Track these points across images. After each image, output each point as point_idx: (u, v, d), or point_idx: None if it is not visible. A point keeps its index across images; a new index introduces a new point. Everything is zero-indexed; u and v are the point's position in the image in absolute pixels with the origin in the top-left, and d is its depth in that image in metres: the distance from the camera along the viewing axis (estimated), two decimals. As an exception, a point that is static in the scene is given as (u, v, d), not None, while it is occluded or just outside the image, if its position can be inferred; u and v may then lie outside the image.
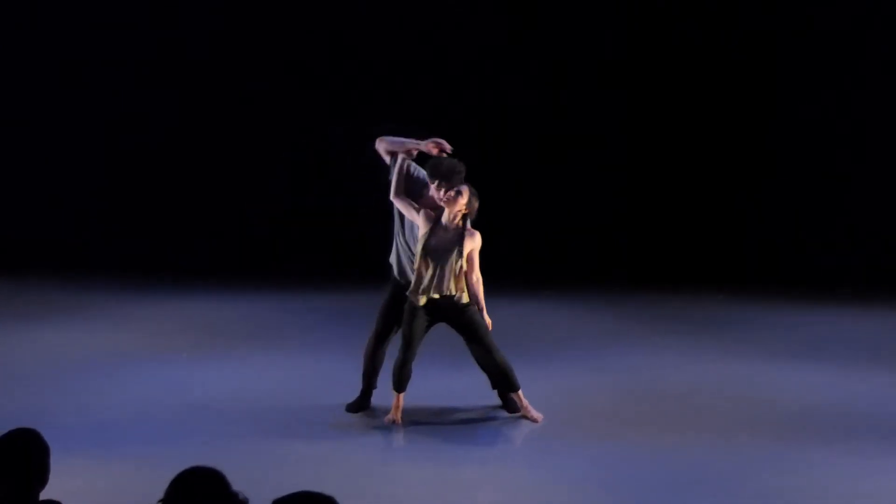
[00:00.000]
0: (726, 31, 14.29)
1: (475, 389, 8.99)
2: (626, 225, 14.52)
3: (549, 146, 14.35)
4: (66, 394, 9.20)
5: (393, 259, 8.69)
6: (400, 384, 8.52)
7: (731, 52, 14.30)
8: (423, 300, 8.32)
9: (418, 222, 8.32)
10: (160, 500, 4.01)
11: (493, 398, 8.88)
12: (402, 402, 8.53)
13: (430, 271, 8.27)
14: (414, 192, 8.50)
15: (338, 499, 3.81)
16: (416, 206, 8.37)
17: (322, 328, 11.62)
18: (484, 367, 8.76)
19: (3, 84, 14.60)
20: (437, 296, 8.30)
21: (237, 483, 4.07)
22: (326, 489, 3.84)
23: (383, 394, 8.79)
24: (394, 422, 8.51)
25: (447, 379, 9.25)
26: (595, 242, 14.40)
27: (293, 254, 14.49)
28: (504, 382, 8.57)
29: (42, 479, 4.42)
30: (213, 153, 14.68)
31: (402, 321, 8.57)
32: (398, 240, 8.63)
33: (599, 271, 14.05)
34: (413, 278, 8.34)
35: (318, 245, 14.54)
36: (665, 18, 14.39)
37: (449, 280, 8.28)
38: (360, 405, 8.85)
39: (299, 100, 14.66)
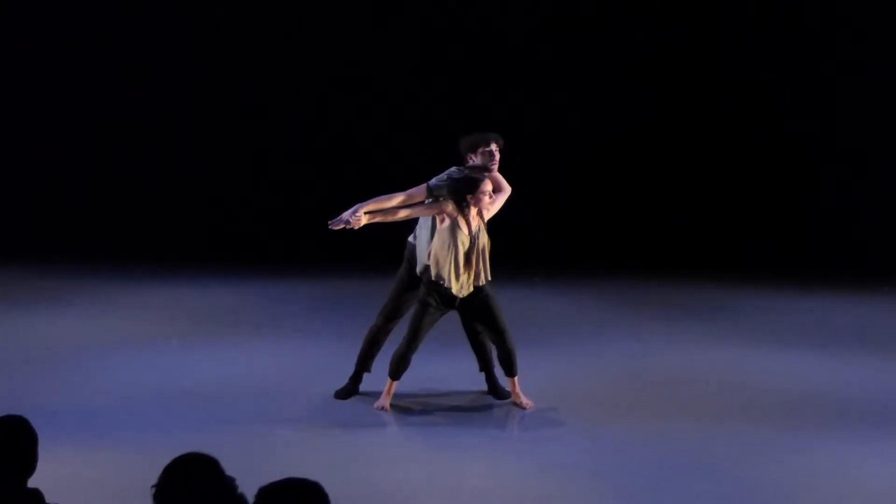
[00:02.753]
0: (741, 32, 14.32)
1: (465, 375, 8.97)
2: (617, 213, 14.52)
3: (541, 136, 14.33)
4: (57, 381, 9.16)
5: (418, 243, 8.53)
6: (397, 373, 8.48)
7: (733, 53, 14.32)
8: (465, 293, 8.30)
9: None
10: (153, 486, 3.99)
11: (482, 384, 8.85)
12: (394, 390, 8.50)
13: (471, 269, 8.24)
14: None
15: (326, 485, 3.79)
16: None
17: (312, 315, 11.59)
18: (478, 349, 8.74)
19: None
20: (476, 286, 8.30)
21: (227, 469, 4.05)
22: (315, 476, 3.82)
23: (372, 380, 8.77)
24: (383, 408, 8.49)
25: (436, 364, 9.22)
26: (586, 230, 14.40)
27: (283, 241, 14.47)
28: (507, 365, 8.51)
29: (30, 466, 4.39)
30: (202, 139, 14.65)
31: (411, 303, 8.54)
32: (423, 233, 8.51)
33: (590, 259, 14.05)
34: (448, 276, 8.22)
35: (308, 232, 14.51)
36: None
37: (485, 269, 8.27)
38: (350, 391, 8.81)
39: (289, 90, 14.61)
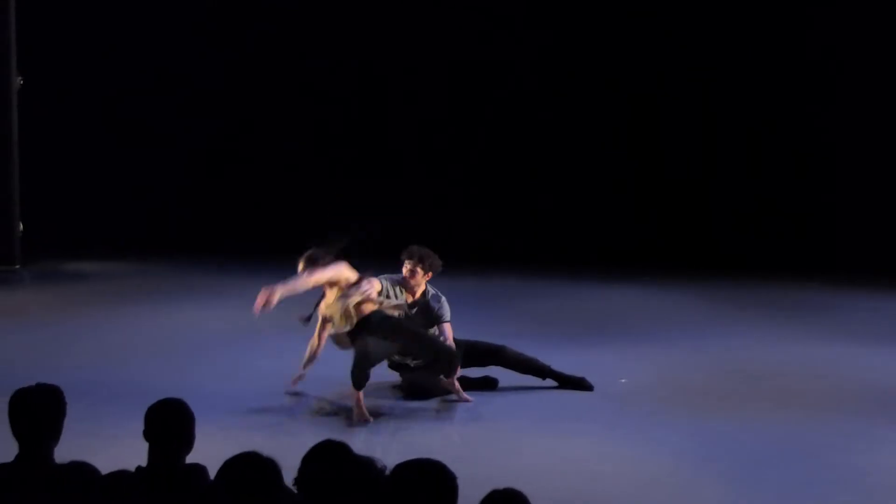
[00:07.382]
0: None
1: (578, 369, 9.00)
2: (726, 216, 14.28)
3: (644, 135, 14.20)
4: (207, 366, 9.42)
5: None
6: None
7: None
8: None
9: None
10: (294, 479, 4.13)
11: (596, 376, 8.91)
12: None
13: None
14: None
15: (453, 466, 3.91)
16: None
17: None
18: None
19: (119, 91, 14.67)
20: None
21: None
22: (444, 458, 3.95)
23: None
24: None
25: (556, 360, 9.23)
26: (694, 232, 14.21)
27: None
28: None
29: (189, 444, 4.57)
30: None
31: None
32: None
33: (698, 260, 13.86)
34: None
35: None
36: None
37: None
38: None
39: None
